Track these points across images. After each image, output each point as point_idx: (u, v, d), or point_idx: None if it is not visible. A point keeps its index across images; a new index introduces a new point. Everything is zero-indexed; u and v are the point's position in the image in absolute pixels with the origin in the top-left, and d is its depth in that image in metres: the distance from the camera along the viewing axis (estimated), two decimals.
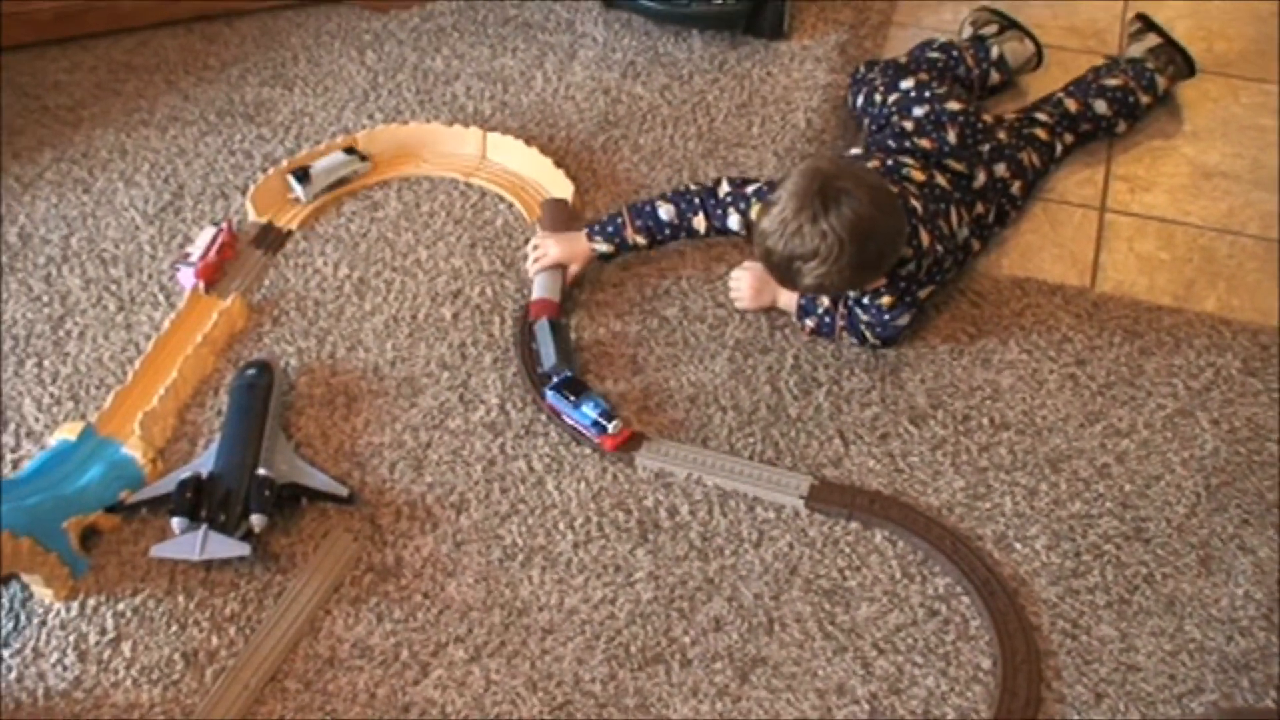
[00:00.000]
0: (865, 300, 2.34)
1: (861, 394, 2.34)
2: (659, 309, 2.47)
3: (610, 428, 2.21)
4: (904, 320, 2.36)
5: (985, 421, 2.30)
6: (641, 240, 2.46)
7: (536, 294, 2.43)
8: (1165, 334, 2.45)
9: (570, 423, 2.25)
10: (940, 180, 2.44)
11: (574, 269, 2.47)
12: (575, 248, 2.47)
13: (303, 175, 2.64)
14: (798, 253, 2.15)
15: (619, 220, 2.45)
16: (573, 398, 2.24)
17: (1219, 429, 2.29)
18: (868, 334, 2.37)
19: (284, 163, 2.70)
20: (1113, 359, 2.40)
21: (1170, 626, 2.03)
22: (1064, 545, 2.13)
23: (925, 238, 2.31)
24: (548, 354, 2.32)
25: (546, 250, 2.47)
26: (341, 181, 2.69)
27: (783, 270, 2.20)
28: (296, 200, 2.65)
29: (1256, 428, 2.29)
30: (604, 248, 2.46)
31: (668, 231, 2.45)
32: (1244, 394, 2.35)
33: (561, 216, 2.56)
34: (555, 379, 2.27)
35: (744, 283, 2.45)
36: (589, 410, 2.22)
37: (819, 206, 2.13)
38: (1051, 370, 2.38)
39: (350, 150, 2.71)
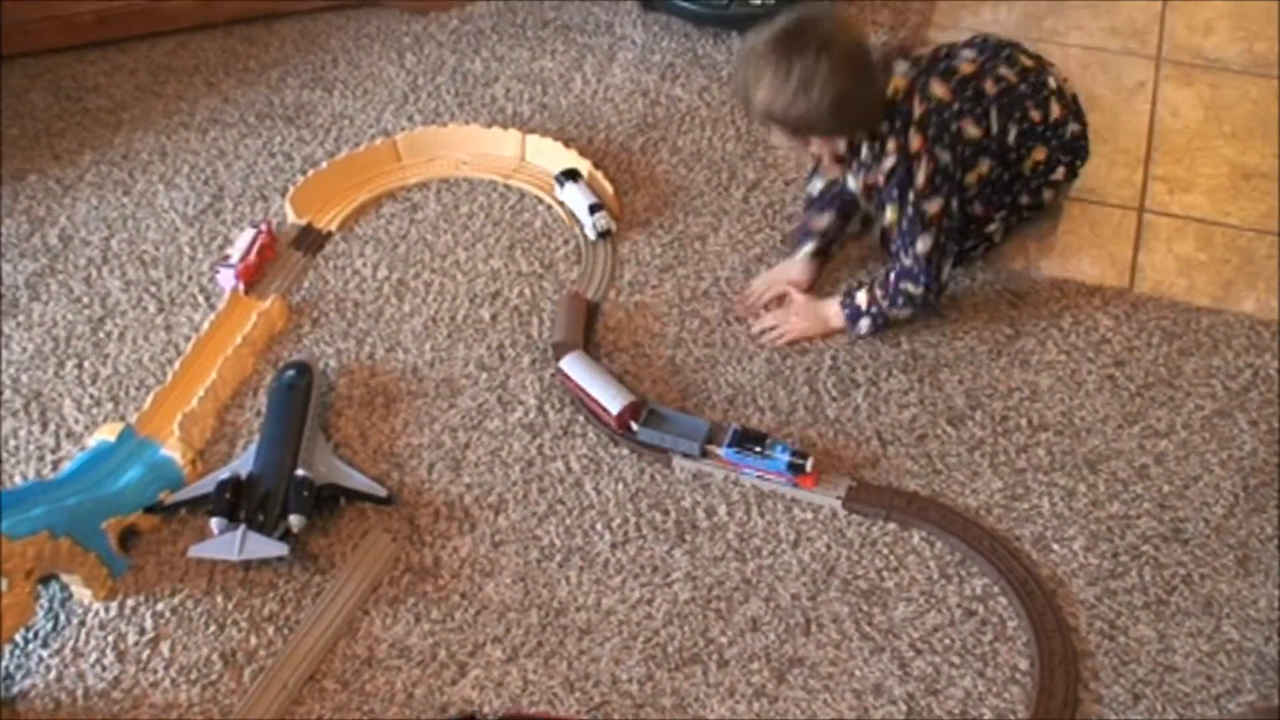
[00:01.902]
0: (905, 252, 2.33)
1: (899, 395, 2.33)
2: (698, 310, 2.48)
3: (808, 465, 2.15)
4: (945, 265, 2.34)
5: (1023, 422, 2.29)
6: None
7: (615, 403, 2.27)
8: (1204, 335, 2.43)
9: (759, 473, 2.19)
10: (986, 85, 2.40)
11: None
12: (827, 318, 2.45)
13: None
14: (750, 74, 2.21)
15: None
16: (758, 448, 2.17)
17: (1257, 430, 2.28)
18: (911, 286, 2.34)
19: (324, 164, 2.71)
20: (1151, 360, 2.39)
21: (1208, 627, 2.02)
22: (1102, 546, 2.12)
23: (915, 141, 2.28)
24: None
25: (791, 328, 2.44)
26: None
27: (743, 101, 2.27)
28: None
29: None
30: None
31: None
32: None
33: (579, 311, 2.45)
34: (730, 434, 2.19)
35: (785, 317, 2.44)
36: (780, 455, 2.16)
37: (781, 37, 2.20)
38: (1090, 371, 2.37)
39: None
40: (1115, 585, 2.07)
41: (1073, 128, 2.49)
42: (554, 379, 2.35)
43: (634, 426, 2.22)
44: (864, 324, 2.40)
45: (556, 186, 2.64)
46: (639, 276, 2.53)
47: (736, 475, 2.20)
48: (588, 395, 2.26)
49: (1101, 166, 2.78)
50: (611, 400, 2.23)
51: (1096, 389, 2.34)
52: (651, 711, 1.93)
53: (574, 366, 2.29)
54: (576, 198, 2.59)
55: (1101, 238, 2.63)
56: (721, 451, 2.18)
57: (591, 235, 2.56)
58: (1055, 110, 2.45)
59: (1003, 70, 2.42)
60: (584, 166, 2.68)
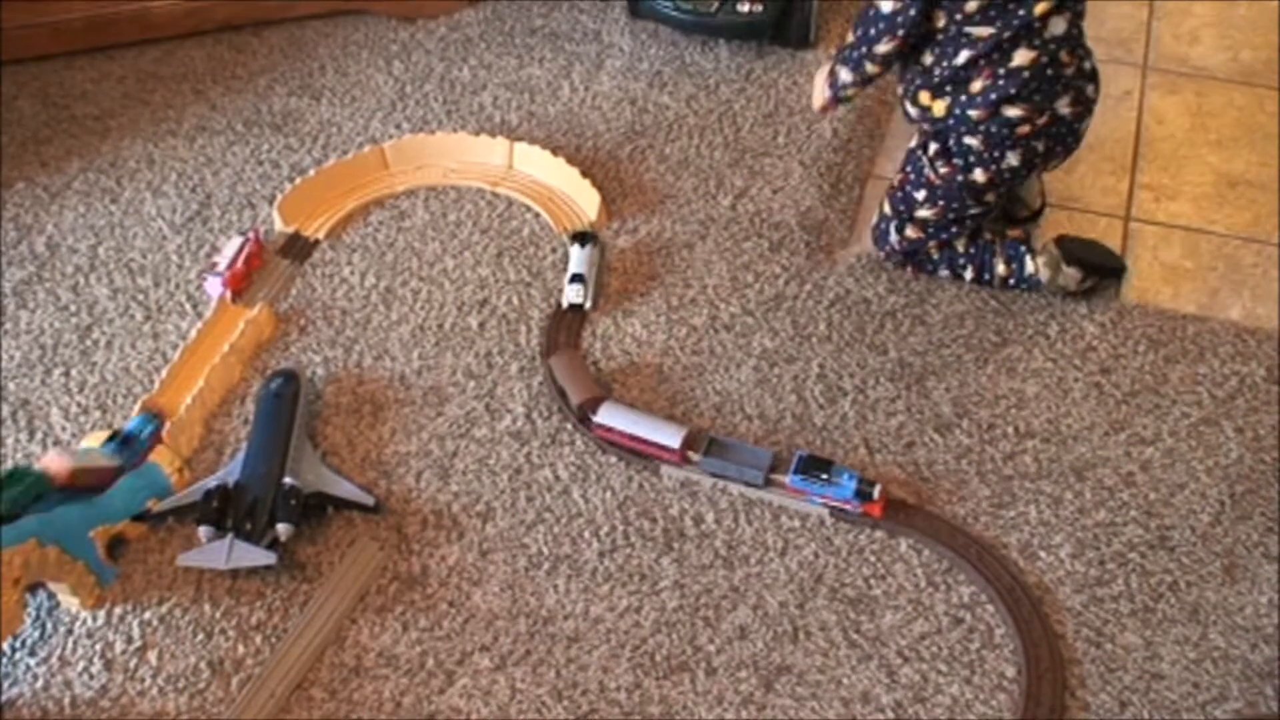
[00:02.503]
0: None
1: (887, 403, 2.34)
2: (686, 317, 2.48)
3: (875, 493, 2.12)
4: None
5: (1010, 430, 2.30)
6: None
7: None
8: (1190, 342, 2.44)
9: (825, 500, 2.16)
10: None
11: None
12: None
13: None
14: None
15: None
16: (824, 475, 2.15)
17: (1244, 437, 2.29)
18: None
19: (312, 172, 2.71)
20: (1137, 367, 2.40)
21: (1194, 634, 2.03)
22: (1088, 554, 2.12)
23: None
24: None
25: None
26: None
27: None
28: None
29: None
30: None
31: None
32: (1269, 402, 2.34)
33: (579, 364, 2.39)
34: (796, 461, 2.17)
35: None
36: (847, 482, 2.13)
37: None
38: (1076, 379, 2.38)
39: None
40: (1102, 593, 2.08)
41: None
42: (542, 387, 2.36)
43: (694, 457, 2.19)
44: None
45: (569, 243, 2.57)
46: (626, 284, 2.54)
47: (725, 484, 2.20)
48: (639, 440, 2.22)
49: (1088, 175, 2.79)
50: (668, 436, 2.20)
51: (1083, 397, 2.35)
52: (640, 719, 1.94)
53: (613, 417, 2.24)
54: (574, 260, 2.52)
55: None
56: (788, 479, 2.15)
57: (563, 302, 2.48)
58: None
59: None
60: (572, 174, 2.69)
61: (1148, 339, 2.44)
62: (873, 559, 2.12)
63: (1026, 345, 2.43)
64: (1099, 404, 2.34)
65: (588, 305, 2.47)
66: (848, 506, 2.14)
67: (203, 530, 2.10)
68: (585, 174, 2.69)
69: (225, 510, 2.12)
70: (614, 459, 2.25)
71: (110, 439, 2.21)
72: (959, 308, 2.49)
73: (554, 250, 2.60)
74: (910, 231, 2.49)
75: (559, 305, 2.49)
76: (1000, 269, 2.50)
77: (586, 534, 2.15)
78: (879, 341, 2.43)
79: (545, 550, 2.13)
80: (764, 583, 2.09)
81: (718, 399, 2.34)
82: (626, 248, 2.60)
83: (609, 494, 2.20)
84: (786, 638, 2.02)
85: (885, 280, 2.54)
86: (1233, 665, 2.00)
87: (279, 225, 2.64)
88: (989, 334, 2.45)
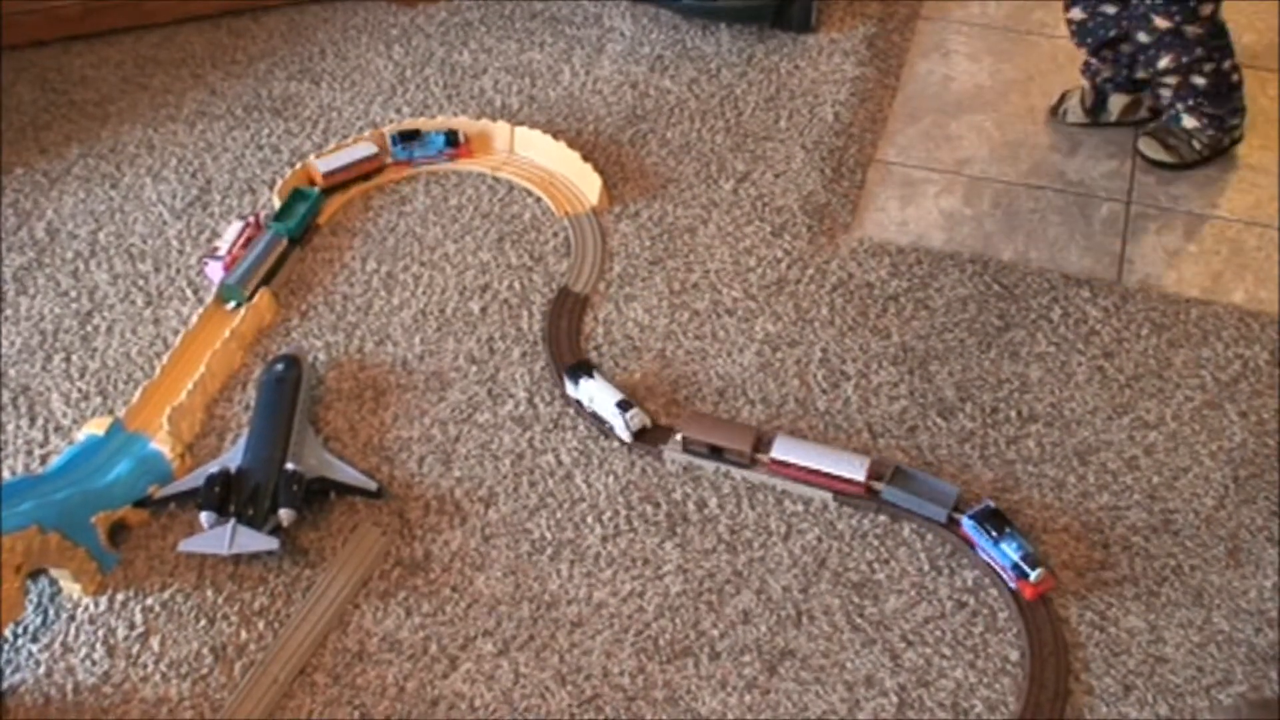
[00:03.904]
0: None
1: (889, 387, 2.33)
2: (688, 302, 2.47)
3: (1033, 576, 2.01)
4: None
5: (1013, 414, 2.29)
6: None
7: None
8: (1193, 326, 2.44)
9: (984, 557, 2.07)
10: None
11: None
12: None
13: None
14: None
15: None
16: (994, 533, 2.05)
17: (1247, 421, 2.28)
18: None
19: (311, 157, 2.70)
20: (1140, 351, 2.39)
21: (1198, 618, 2.03)
22: (1092, 537, 2.12)
23: None
24: None
25: None
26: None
27: None
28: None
29: None
30: None
31: None
32: (1272, 386, 2.33)
33: (710, 418, 2.28)
34: (982, 508, 2.09)
35: None
36: (1010, 550, 2.03)
37: None
38: (1079, 363, 2.37)
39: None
40: (1106, 576, 2.08)
41: None
42: (544, 372, 2.35)
43: (877, 487, 2.14)
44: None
45: (568, 384, 2.30)
46: (629, 268, 2.53)
47: (728, 469, 2.20)
48: (819, 473, 2.15)
49: (1091, 158, 2.78)
50: (851, 468, 2.14)
51: (1086, 381, 2.34)
52: (643, 704, 1.93)
53: (788, 452, 2.17)
54: (600, 395, 2.26)
55: (1090, 230, 2.64)
56: (964, 520, 2.08)
57: (626, 436, 2.24)
58: None
59: None
60: (574, 158, 2.68)
61: (1150, 323, 2.44)
62: (876, 543, 2.12)
63: (1030, 329, 2.42)
64: (1102, 388, 2.33)
65: (648, 424, 2.26)
66: (1001, 572, 2.05)
67: (205, 516, 2.09)
68: (586, 158, 2.68)
69: (227, 496, 2.11)
70: (616, 444, 2.24)
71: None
72: (961, 291, 2.48)
73: (555, 235, 2.59)
74: None
75: (560, 290, 2.49)
76: None
77: (589, 519, 2.15)
78: (882, 325, 2.43)
79: (548, 535, 2.13)
80: (767, 567, 2.08)
81: (720, 383, 2.34)
82: (628, 232, 2.60)
83: (611, 479, 2.20)
84: (790, 622, 2.02)
85: (888, 264, 2.54)
86: (1237, 649, 1.99)
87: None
88: (992, 318, 2.44)
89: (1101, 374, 2.36)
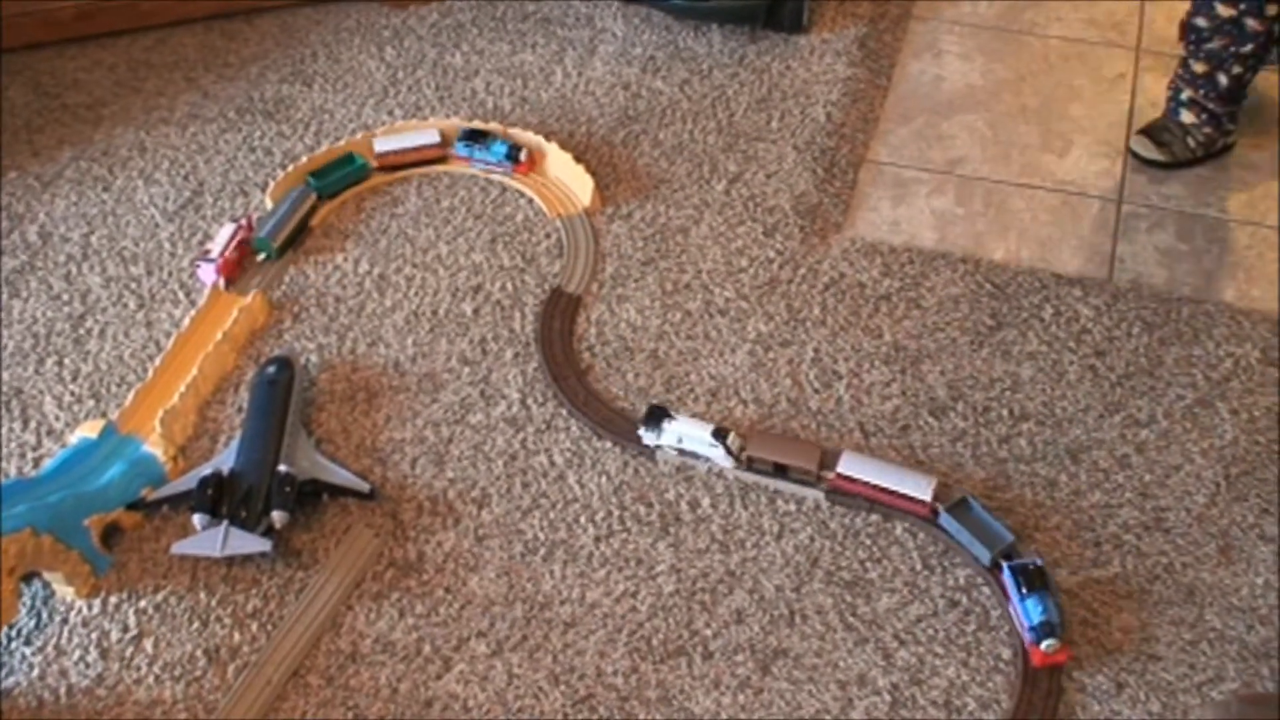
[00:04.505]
0: None
1: (881, 386, 2.34)
2: (681, 302, 2.48)
3: (1044, 645, 1.93)
4: None
5: (1005, 413, 2.30)
6: None
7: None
8: (1184, 324, 2.44)
9: (1010, 610, 2.01)
10: None
11: None
12: None
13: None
14: None
15: None
16: (1024, 589, 1.99)
17: (1238, 419, 2.29)
18: None
19: (304, 159, 2.70)
20: (1132, 350, 2.40)
21: (1190, 616, 2.03)
22: (1084, 535, 2.12)
23: None
24: None
25: None
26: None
27: None
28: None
29: (1276, 418, 2.29)
30: None
31: None
32: (1264, 384, 2.34)
33: (773, 436, 2.26)
34: (1030, 563, 2.01)
35: None
36: (1034, 611, 1.96)
37: None
38: (1071, 361, 2.38)
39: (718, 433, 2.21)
40: (1098, 574, 2.08)
41: None
42: (537, 373, 2.36)
43: (939, 510, 2.11)
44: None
45: (646, 435, 2.22)
46: (621, 269, 2.53)
47: (720, 469, 2.20)
48: (884, 490, 2.13)
49: (1082, 158, 2.79)
50: (917, 488, 2.12)
51: (1078, 379, 2.35)
52: (637, 704, 1.93)
53: (853, 468, 2.15)
54: (691, 431, 2.20)
55: (1082, 229, 2.64)
56: (1004, 571, 2.03)
57: (730, 464, 2.19)
58: None
59: None
60: (566, 159, 2.68)
61: (1142, 321, 2.44)
62: (868, 542, 2.12)
63: (1021, 328, 2.43)
64: (1094, 386, 2.34)
65: (745, 445, 2.22)
66: (1021, 631, 1.98)
67: (197, 518, 2.09)
68: (578, 159, 2.69)
69: (220, 498, 2.11)
70: (609, 444, 2.25)
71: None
72: (953, 291, 2.49)
73: (548, 236, 2.59)
74: None
75: (553, 291, 2.49)
76: None
77: (582, 519, 2.15)
78: (873, 325, 2.43)
79: (541, 536, 2.13)
80: (760, 567, 2.09)
81: (713, 383, 2.34)
82: (621, 233, 2.60)
83: (604, 479, 2.20)
84: (783, 621, 2.02)
85: (880, 264, 2.54)
86: (1229, 646, 2.00)
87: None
88: (984, 317, 2.45)
89: (1093, 372, 2.36)
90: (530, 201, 2.67)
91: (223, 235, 2.52)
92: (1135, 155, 2.78)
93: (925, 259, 2.56)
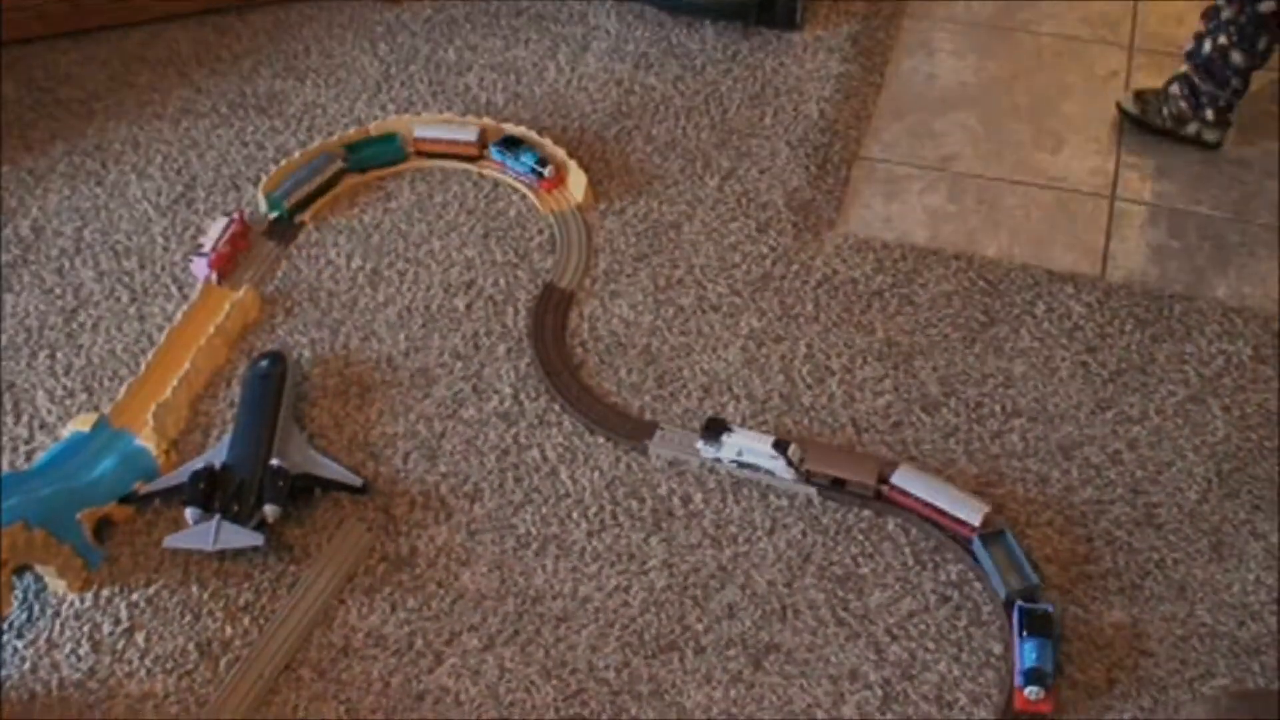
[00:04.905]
0: None
1: (874, 382, 2.34)
2: (673, 298, 2.48)
3: (1029, 692, 1.90)
4: None
5: (997, 409, 2.30)
6: None
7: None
8: (1176, 321, 2.44)
9: (1014, 646, 1.97)
10: None
11: None
12: None
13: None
14: None
15: None
16: (1024, 631, 1.95)
17: (1230, 416, 2.29)
18: None
19: (296, 154, 2.70)
20: (1124, 346, 2.40)
21: (1182, 612, 2.04)
22: (1076, 531, 2.13)
23: None
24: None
25: None
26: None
27: None
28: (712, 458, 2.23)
29: (1268, 414, 2.29)
30: None
31: None
32: (1255, 381, 2.34)
33: (831, 448, 2.25)
34: (1034, 605, 1.99)
35: None
36: (1028, 654, 1.93)
37: None
38: (1063, 358, 2.38)
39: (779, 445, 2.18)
40: (1089, 570, 2.08)
41: None
42: (529, 368, 2.36)
43: (978, 538, 2.08)
44: None
45: (704, 449, 2.20)
46: (614, 265, 2.53)
47: (712, 464, 2.20)
48: (935, 509, 2.12)
49: (1075, 155, 2.79)
50: (968, 512, 2.09)
51: (1070, 376, 2.35)
52: (629, 699, 1.93)
53: (909, 482, 2.14)
54: (751, 444, 2.18)
55: (1074, 226, 2.64)
56: (1016, 607, 1.99)
57: (790, 475, 2.16)
58: None
59: None
60: (559, 154, 2.68)
61: (1134, 318, 2.45)
62: (860, 538, 2.12)
63: (1013, 324, 2.43)
64: (1086, 383, 2.34)
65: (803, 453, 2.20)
66: (1017, 674, 1.94)
67: (189, 512, 2.09)
68: (571, 155, 2.69)
69: (212, 492, 2.11)
70: (601, 439, 2.25)
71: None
72: (946, 287, 2.49)
73: (540, 231, 2.59)
74: None
75: (545, 286, 2.49)
76: None
77: (575, 514, 2.15)
78: (866, 321, 2.44)
79: (533, 530, 2.13)
80: (752, 562, 2.09)
81: (705, 379, 2.34)
82: (614, 229, 2.60)
83: (597, 474, 2.20)
84: (775, 616, 2.02)
85: (872, 260, 2.54)
86: (1220, 642, 2.00)
87: (264, 207, 2.63)
88: (976, 313, 2.45)
89: (1085, 369, 2.36)
90: (523, 197, 2.67)
91: (215, 230, 2.52)
92: (1118, 106, 2.86)
93: (918, 255, 2.56)
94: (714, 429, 2.20)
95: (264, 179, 2.66)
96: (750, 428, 2.24)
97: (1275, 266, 2.56)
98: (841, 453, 2.23)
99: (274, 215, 2.60)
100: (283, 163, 2.69)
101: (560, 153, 2.71)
